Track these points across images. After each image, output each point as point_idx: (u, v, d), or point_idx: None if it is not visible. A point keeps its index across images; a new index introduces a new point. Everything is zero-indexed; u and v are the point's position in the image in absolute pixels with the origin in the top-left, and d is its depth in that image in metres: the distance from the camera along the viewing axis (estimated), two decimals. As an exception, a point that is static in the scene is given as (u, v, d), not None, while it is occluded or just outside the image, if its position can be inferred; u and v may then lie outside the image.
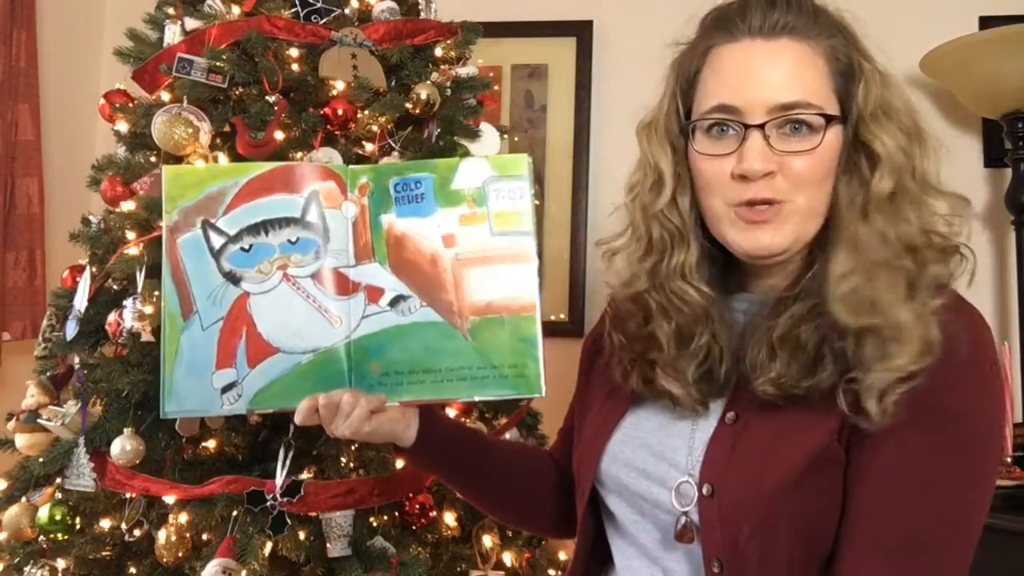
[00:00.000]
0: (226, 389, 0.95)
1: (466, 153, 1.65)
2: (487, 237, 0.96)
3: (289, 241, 0.97)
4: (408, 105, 1.57)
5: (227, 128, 1.51)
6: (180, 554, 1.33)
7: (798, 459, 0.80)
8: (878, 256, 0.82)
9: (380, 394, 0.95)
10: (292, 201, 0.98)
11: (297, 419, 0.93)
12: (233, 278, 0.96)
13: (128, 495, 1.39)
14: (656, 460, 0.90)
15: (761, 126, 0.84)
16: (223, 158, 1.49)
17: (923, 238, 0.85)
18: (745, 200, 0.85)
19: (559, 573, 1.63)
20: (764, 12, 0.87)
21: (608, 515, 0.98)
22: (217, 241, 0.96)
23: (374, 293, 0.97)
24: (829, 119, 0.85)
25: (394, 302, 0.97)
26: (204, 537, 1.35)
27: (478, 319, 0.96)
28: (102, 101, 1.63)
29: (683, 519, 0.85)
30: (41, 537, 1.40)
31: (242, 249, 0.96)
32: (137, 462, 1.36)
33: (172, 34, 1.60)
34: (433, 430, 1.02)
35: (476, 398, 0.98)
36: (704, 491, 0.84)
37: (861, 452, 0.80)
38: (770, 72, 0.85)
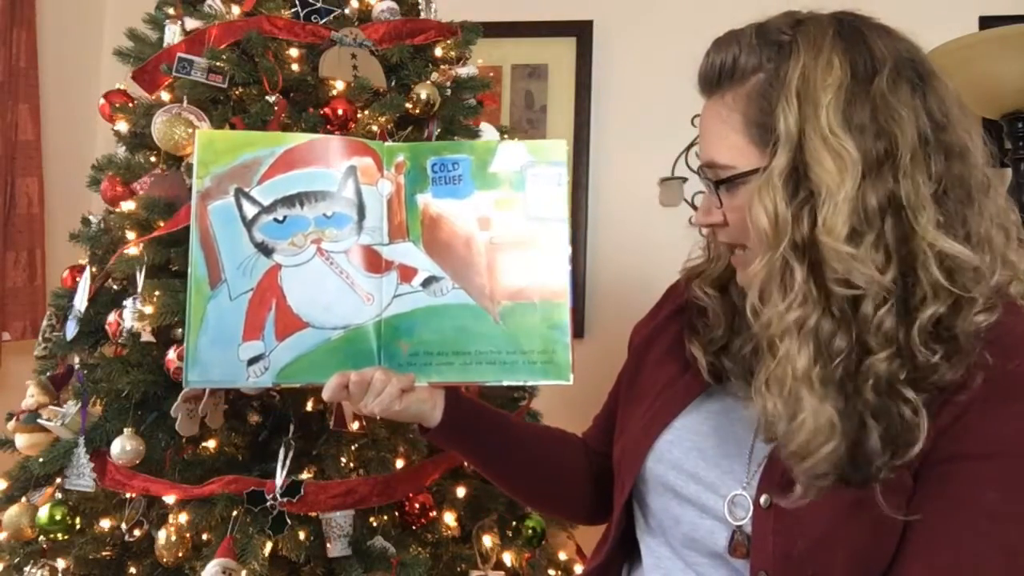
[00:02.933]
0: (252, 361, 0.94)
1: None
2: (522, 222, 0.97)
3: (324, 215, 0.96)
4: (408, 105, 1.57)
5: (227, 128, 1.51)
6: (180, 554, 1.33)
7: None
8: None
9: (410, 373, 0.95)
10: (329, 175, 0.97)
11: (325, 395, 0.93)
12: (265, 249, 0.95)
13: (128, 495, 1.39)
14: (708, 466, 0.89)
15: (700, 177, 0.89)
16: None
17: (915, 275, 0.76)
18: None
19: (559, 573, 1.63)
20: (708, 56, 0.87)
21: (644, 511, 0.97)
22: (250, 210, 0.95)
23: (407, 272, 0.97)
24: (731, 179, 0.83)
25: (427, 282, 0.97)
26: (204, 537, 1.35)
27: (510, 303, 0.96)
28: (102, 101, 1.63)
29: (737, 534, 0.84)
30: (41, 537, 1.39)
31: (276, 220, 0.95)
32: (137, 462, 1.36)
33: (172, 34, 1.60)
34: (459, 411, 1.01)
35: (504, 382, 0.97)
36: (762, 501, 0.83)
37: (929, 480, 0.78)
38: (702, 134, 0.88)
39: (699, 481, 0.89)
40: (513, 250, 0.96)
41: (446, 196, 0.97)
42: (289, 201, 0.96)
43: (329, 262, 0.96)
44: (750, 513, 0.83)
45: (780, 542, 0.80)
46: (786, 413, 0.76)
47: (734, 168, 0.83)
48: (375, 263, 0.97)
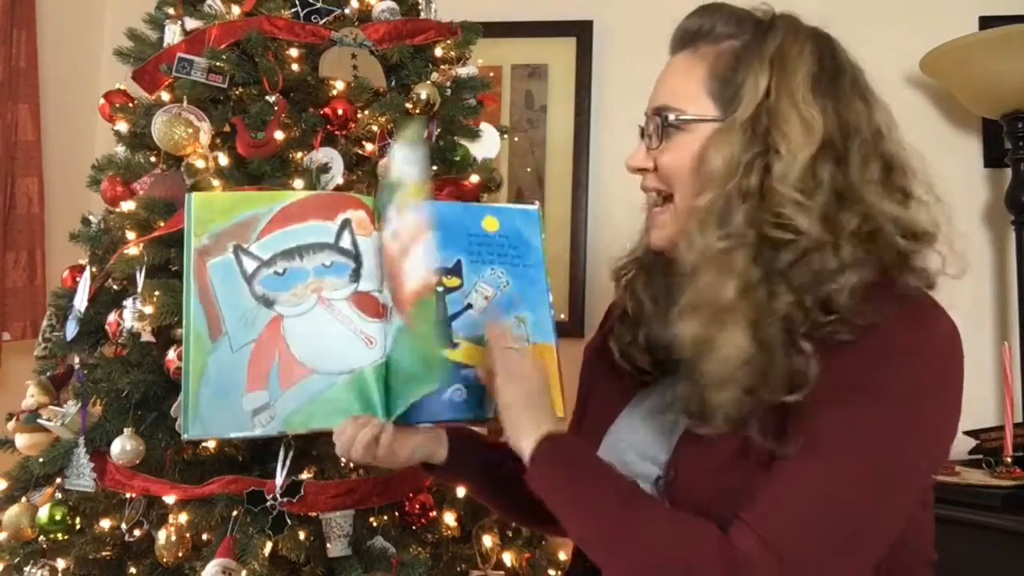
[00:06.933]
0: (258, 411, 0.94)
1: (466, 153, 1.66)
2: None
3: (323, 265, 0.98)
4: (408, 105, 1.57)
5: (227, 128, 1.51)
6: (180, 554, 1.34)
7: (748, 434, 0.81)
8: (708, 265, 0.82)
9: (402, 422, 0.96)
10: (325, 227, 1.00)
11: (338, 452, 0.97)
12: (266, 301, 0.97)
13: (128, 495, 1.39)
14: (641, 459, 0.92)
15: (642, 129, 0.94)
16: (223, 158, 1.49)
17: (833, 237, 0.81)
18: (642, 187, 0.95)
19: (559, 573, 1.63)
20: (688, 19, 0.93)
21: None
22: (250, 265, 0.97)
23: None
24: (682, 122, 0.88)
25: None
26: (204, 537, 1.35)
27: None
28: (102, 101, 1.63)
29: None
30: (41, 537, 1.40)
31: (276, 273, 0.98)
32: (137, 462, 1.36)
33: (172, 34, 1.60)
34: (464, 448, 1.04)
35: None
36: (669, 476, 0.87)
37: (799, 414, 0.80)
38: (658, 84, 0.93)
39: (634, 474, 0.91)
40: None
41: None
42: (288, 254, 0.98)
43: (331, 309, 0.98)
44: (662, 489, 0.87)
45: (692, 509, 0.82)
46: (705, 337, 0.80)
47: (684, 112, 0.88)
48: (375, 308, 0.98)
